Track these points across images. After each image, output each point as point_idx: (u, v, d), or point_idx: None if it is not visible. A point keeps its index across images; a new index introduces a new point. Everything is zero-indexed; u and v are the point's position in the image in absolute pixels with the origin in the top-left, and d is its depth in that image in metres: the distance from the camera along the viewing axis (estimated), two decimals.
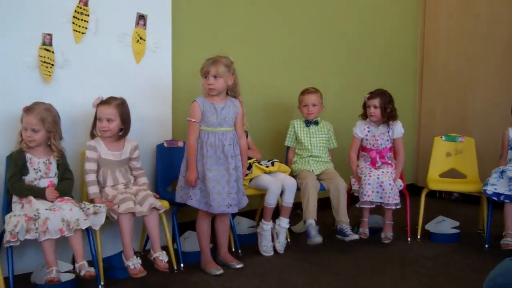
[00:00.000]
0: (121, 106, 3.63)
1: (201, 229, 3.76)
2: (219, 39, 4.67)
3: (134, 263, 3.39)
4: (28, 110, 3.37)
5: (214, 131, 3.66)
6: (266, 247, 4.10)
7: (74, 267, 3.33)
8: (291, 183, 4.16)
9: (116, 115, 3.60)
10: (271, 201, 4.05)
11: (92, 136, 3.66)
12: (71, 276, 3.36)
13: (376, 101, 4.40)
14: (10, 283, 3.17)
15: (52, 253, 3.19)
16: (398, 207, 4.28)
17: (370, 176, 4.25)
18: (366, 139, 4.52)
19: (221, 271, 3.69)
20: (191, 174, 3.62)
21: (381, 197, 4.23)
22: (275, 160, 4.29)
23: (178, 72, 4.28)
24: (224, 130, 3.68)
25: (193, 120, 3.64)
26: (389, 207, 4.28)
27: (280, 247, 4.15)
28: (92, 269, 3.24)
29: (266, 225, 4.10)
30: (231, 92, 3.76)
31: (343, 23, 5.60)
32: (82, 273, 3.22)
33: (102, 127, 3.59)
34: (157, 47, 4.10)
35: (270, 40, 5.04)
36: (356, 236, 4.18)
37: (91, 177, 3.57)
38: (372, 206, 4.30)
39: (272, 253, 4.10)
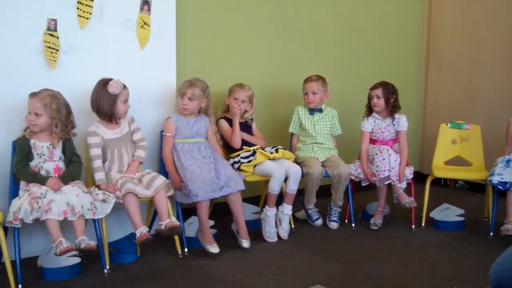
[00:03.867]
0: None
1: (201, 205, 3.79)
2: (223, 25, 4.65)
3: (140, 231, 3.45)
4: (33, 94, 3.38)
5: (188, 142, 3.99)
6: (270, 233, 4.11)
7: (79, 252, 3.36)
8: (296, 170, 4.17)
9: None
10: (275, 187, 4.06)
11: (114, 119, 3.74)
12: (76, 260, 3.40)
13: (378, 91, 4.46)
14: (17, 266, 3.19)
15: (56, 227, 3.19)
16: (403, 187, 4.35)
17: (380, 151, 4.31)
18: (372, 132, 4.54)
19: (216, 250, 3.74)
20: (173, 179, 3.88)
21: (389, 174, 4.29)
22: (279, 146, 4.28)
23: (183, 57, 4.27)
24: (197, 141, 4.02)
25: (167, 134, 3.96)
26: (397, 187, 4.33)
27: (284, 234, 4.16)
28: (92, 242, 3.26)
29: (270, 211, 4.12)
30: (204, 113, 4.11)
31: (349, 11, 5.57)
32: (83, 245, 3.24)
33: (127, 108, 3.74)
34: (161, 32, 4.09)
35: (277, 26, 5.01)
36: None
37: (97, 163, 3.62)
38: (389, 182, 4.31)
39: (276, 239, 4.11)
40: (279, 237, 4.15)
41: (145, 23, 4.00)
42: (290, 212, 4.23)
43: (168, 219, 3.55)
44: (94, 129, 3.66)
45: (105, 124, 3.70)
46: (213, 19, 4.59)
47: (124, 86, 3.67)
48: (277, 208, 4.19)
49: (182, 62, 4.27)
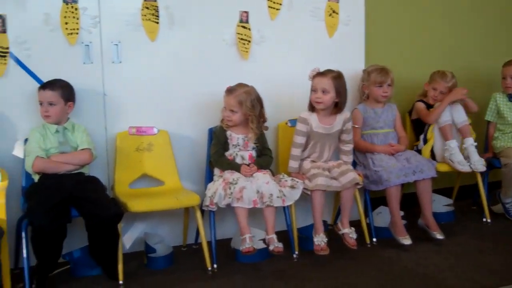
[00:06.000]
0: (337, 79, 3.56)
1: (392, 193, 3.69)
2: (412, 10, 4.53)
3: (318, 240, 3.42)
4: (229, 91, 3.51)
5: (376, 133, 3.90)
6: (461, 161, 3.91)
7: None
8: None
9: (331, 87, 3.54)
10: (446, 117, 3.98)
11: (311, 108, 3.66)
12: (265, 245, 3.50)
13: None
14: (212, 247, 3.37)
15: (244, 219, 3.32)
16: None
17: None
18: None
19: (408, 242, 3.60)
20: (381, 149, 3.83)
21: None
22: None
23: (371, 45, 4.21)
24: (386, 132, 3.92)
25: (356, 126, 3.85)
26: None
27: (479, 166, 3.93)
28: (280, 245, 3.32)
29: (452, 142, 3.94)
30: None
31: None
32: (271, 248, 3.32)
33: (316, 98, 3.57)
34: (350, 20, 4.07)
35: (467, 8, 4.76)
36: None
37: (296, 151, 3.64)
38: None
39: (468, 168, 3.92)
40: (468, 230, 3.96)
41: (333, 11, 4.00)
42: (474, 143, 4.00)
43: (348, 229, 3.51)
44: (306, 117, 3.63)
45: (320, 116, 3.63)
46: (401, 4, 4.48)
47: (318, 75, 3.57)
48: None
49: (371, 49, 4.20)
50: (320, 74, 3.58)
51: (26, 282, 2.98)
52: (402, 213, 3.77)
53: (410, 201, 3.96)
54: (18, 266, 3.29)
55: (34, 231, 2.95)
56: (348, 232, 3.50)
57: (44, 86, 3.24)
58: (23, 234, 3.02)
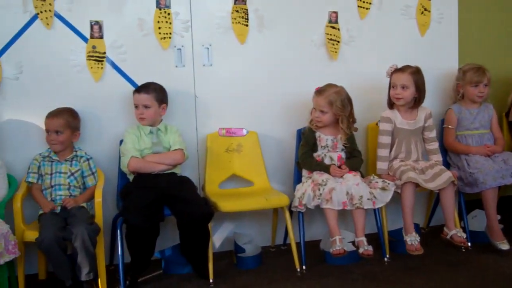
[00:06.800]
0: (416, 74, 3.50)
1: (488, 195, 3.54)
2: (507, 8, 4.37)
3: (411, 240, 3.32)
4: (318, 91, 3.48)
5: (471, 134, 3.75)
6: None
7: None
8: None
9: (411, 83, 3.48)
10: None
11: (390, 104, 3.61)
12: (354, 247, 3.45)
13: None
14: (301, 248, 3.36)
15: (334, 220, 3.27)
16: None
17: None
18: None
19: (506, 247, 3.45)
20: (477, 151, 3.68)
21: None
22: None
23: (465, 43, 4.08)
24: (482, 133, 3.77)
25: (449, 127, 3.76)
26: None
27: None
28: (370, 248, 3.25)
29: None
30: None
31: None
32: (360, 250, 3.26)
33: (396, 94, 3.52)
34: (443, 18, 3.96)
35: None
36: None
37: (383, 152, 3.57)
38: None
39: None
40: None
41: (425, 9, 3.90)
42: None
43: (454, 230, 3.38)
44: (389, 115, 3.58)
45: (402, 112, 3.58)
46: (496, 4, 4.34)
47: (397, 71, 3.52)
48: None
49: (464, 47, 4.07)
50: (399, 70, 3.53)
51: (121, 278, 3.09)
52: (499, 216, 3.61)
53: (507, 204, 3.80)
54: (113, 263, 3.42)
55: (128, 229, 3.05)
56: (456, 232, 3.37)
57: (139, 89, 3.35)
58: (118, 232, 3.13)
